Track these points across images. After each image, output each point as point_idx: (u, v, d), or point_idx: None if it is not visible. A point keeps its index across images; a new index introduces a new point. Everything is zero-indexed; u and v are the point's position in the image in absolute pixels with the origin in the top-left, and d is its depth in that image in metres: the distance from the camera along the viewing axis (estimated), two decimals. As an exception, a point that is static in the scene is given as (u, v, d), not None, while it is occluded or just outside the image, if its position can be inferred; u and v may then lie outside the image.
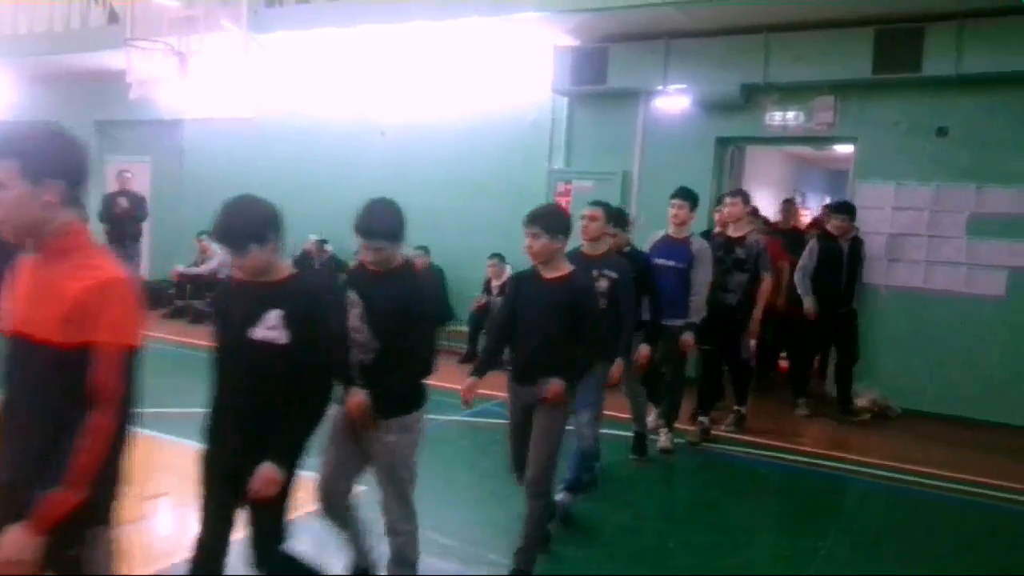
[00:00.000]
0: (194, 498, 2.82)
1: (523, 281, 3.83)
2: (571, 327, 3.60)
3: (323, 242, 9.90)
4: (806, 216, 11.89)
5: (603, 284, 4.49)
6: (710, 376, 6.33)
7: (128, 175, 10.81)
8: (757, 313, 6.16)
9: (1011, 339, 6.99)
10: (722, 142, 8.34)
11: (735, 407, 6.55)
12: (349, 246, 9.50)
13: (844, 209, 7.22)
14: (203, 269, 10.83)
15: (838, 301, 7.03)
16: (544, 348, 3.61)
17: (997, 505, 5.19)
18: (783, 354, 8.31)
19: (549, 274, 3.67)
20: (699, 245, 5.62)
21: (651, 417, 5.97)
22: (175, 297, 11.13)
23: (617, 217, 5.05)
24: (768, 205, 10.71)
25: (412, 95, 9.92)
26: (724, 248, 6.09)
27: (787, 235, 8.31)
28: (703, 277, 5.57)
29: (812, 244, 7.19)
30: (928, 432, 6.79)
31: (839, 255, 7.03)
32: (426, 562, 3.46)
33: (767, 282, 6.15)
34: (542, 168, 9.02)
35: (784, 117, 7.92)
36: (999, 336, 7.05)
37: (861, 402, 7.18)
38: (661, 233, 5.74)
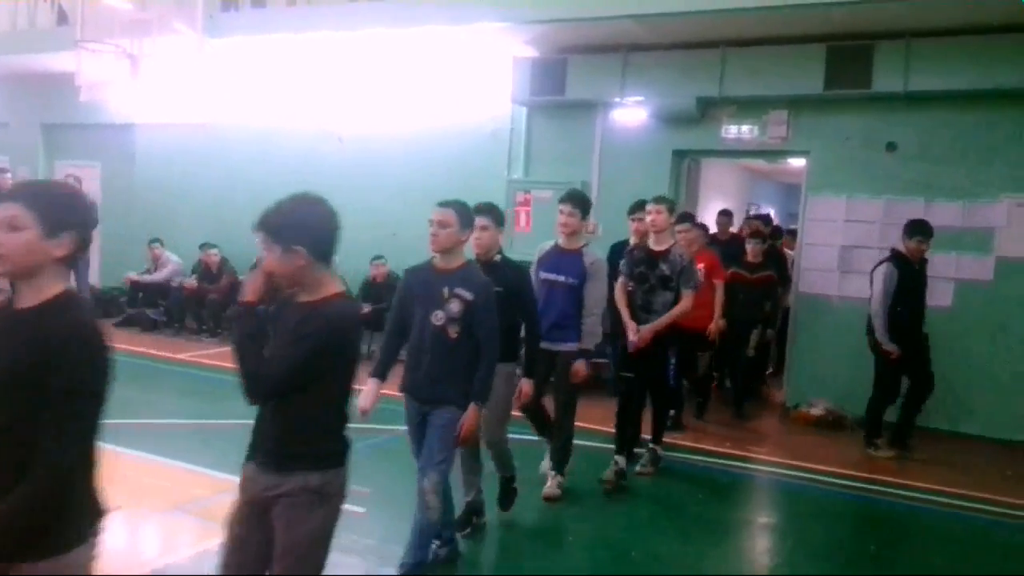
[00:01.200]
0: (147, 511, 2.74)
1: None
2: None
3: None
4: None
5: (454, 307, 3.58)
6: (628, 409, 5.42)
7: (73, 180, 10.45)
8: (655, 324, 5.20)
9: (958, 349, 7.17)
10: (678, 154, 8.44)
11: (650, 444, 5.71)
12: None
13: (921, 229, 6.32)
14: (156, 277, 10.60)
15: (917, 331, 6.35)
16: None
17: (946, 512, 5.31)
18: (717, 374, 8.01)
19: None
20: (593, 258, 4.88)
21: (545, 461, 5.18)
22: (127, 305, 10.88)
23: (485, 215, 4.13)
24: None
25: (371, 102, 9.86)
26: (647, 263, 5.31)
27: (726, 246, 8.16)
28: (597, 294, 4.84)
29: (887, 271, 6.24)
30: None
31: (917, 279, 6.33)
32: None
33: (687, 299, 5.24)
34: (501, 178, 9.03)
35: (739, 130, 8.05)
36: (946, 346, 7.22)
37: (815, 411, 7.30)
38: (549, 244, 5.04)
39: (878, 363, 6.38)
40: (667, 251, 5.30)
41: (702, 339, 6.66)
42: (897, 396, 6.46)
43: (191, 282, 10.26)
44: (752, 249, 7.50)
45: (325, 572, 2.44)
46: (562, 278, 4.84)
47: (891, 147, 7.45)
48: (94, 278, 11.54)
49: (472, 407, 3.60)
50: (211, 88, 10.27)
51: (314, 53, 9.43)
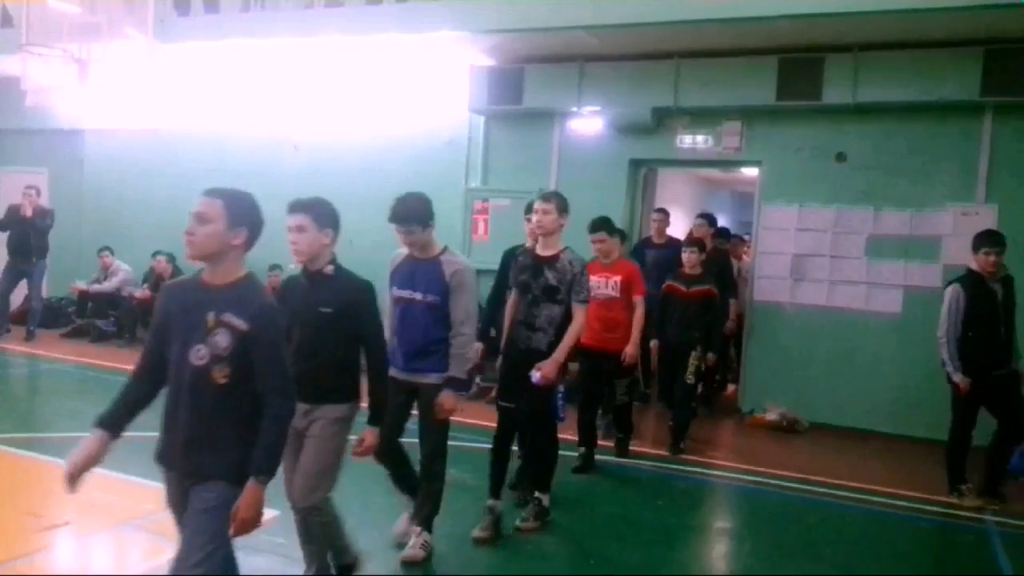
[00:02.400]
0: (97, 527, 2.67)
1: None
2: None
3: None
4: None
5: (221, 340, 2.56)
6: (500, 446, 4.62)
7: (33, 192, 9.96)
8: (558, 354, 4.39)
9: (906, 355, 7.34)
10: (635, 164, 8.53)
11: (536, 494, 4.75)
12: (259, 260, 9.39)
13: (987, 239, 5.37)
14: (106, 286, 10.34)
15: (996, 362, 5.33)
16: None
17: (897, 514, 5.42)
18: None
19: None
20: (455, 266, 3.99)
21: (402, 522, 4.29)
22: (75, 316, 10.61)
23: (321, 223, 3.35)
24: (682, 228, 10.96)
25: (327, 110, 9.78)
26: (531, 271, 4.52)
27: (662, 251, 7.71)
28: (464, 309, 3.97)
29: (953, 293, 5.37)
30: (832, 445, 7.05)
31: (993, 301, 5.34)
32: None
33: (579, 316, 4.45)
34: (459, 186, 9.03)
35: (693, 140, 8.17)
36: (896, 352, 7.40)
37: (770, 416, 7.41)
38: (401, 253, 4.14)
39: (953, 398, 5.52)
40: (555, 257, 4.50)
41: (616, 364, 5.78)
42: (970, 435, 5.53)
43: (143, 291, 10.03)
44: (688, 258, 6.48)
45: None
46: (418, 295, 3.98)
47: (841, 157, 7.62)
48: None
49: (251, 485, 2.53)
50: (162, 94, 10.10)
51: (269, 59, 9.33)
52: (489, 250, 7.00)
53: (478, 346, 4.93)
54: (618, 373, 5.90)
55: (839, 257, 7.63)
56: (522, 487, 4.90)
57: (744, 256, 9.22)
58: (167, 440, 2.68)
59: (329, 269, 3.39)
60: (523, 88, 8.45)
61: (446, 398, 3.93)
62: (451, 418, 4.05)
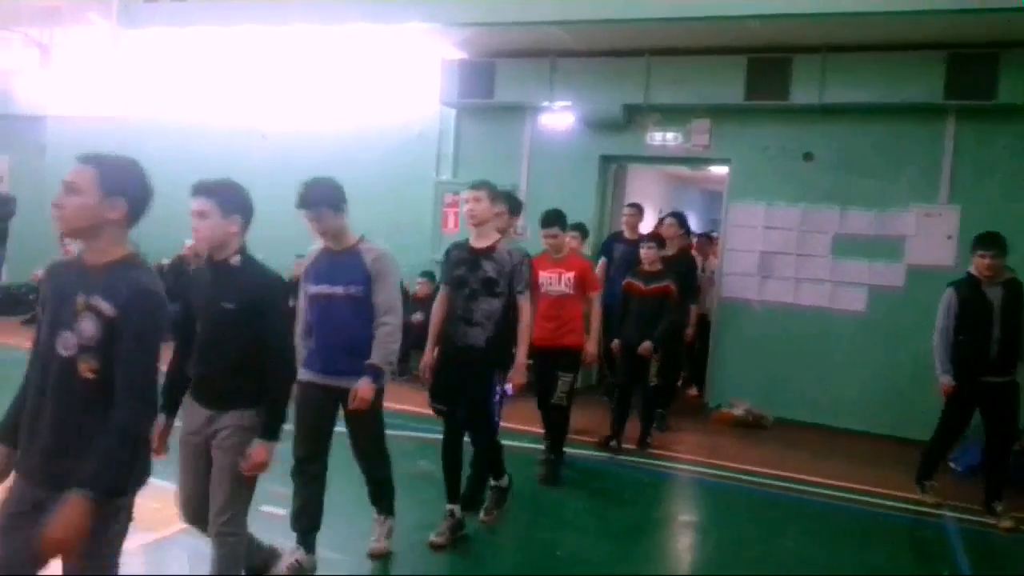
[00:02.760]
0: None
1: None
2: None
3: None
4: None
5: (87, 327, 2.25)
6: (449, 451, 4.39)
7: None
8: (521, 356, 4.34)
9: (871, 352, 7.45)
10: (606, 159, 8.55)
11: (491, 482, 4.69)
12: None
13: (979, 241, 5.30)
14: (66, 275, 10.13)
15: (988, 367, 5.20)
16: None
17: (858, 508, 5.50)
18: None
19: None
20: (376, 252, 3.73)
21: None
22: (35, 303, 10.39)
23: (227, 210, 3.01)
24: (650, 225, 11.00)
25: (296, 99, 9.68)
26: (468, 264, 4.30)
27: (631, 246, 7.16)
28: (387, 297, 3.70)
29: (948, 295, 5.35)
30: (797, 440, 7.14)
31: (986, 305, 5.20)
32: None
33: (525, 311, 4.29)
34: (429, 179, 8.99)
35: (663, 137, 8.20)
36: (860, 349, 7.51)
37: (736, 411, 7.47)
38: (316, 248, 3.87)
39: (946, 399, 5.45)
40: (492, 248, 4.28)
41: (567, 358, 5.44)
42: (955, 438, 5.59)
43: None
44: (646, 254, 6.32)
45: None
46: (339, 288, 3.69)
47: (808, 156, 7.70)
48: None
49: (73, 497, 2.12)
50: (127, 80, 9.91)
51: (237, 47, 9.20)
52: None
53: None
54: (566, 366, 5.44)
55: (805, 255, 7.71)
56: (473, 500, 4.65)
57: (712, 256, 9.01)
58: (26, 444, 2.30)
59: (235, 260, 3.02)
60: (494, 82, 8.43)
61: (363, 386, 3.58)
62: (389, 409, 3.89)
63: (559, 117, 8.45)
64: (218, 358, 3.03)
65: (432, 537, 4.26)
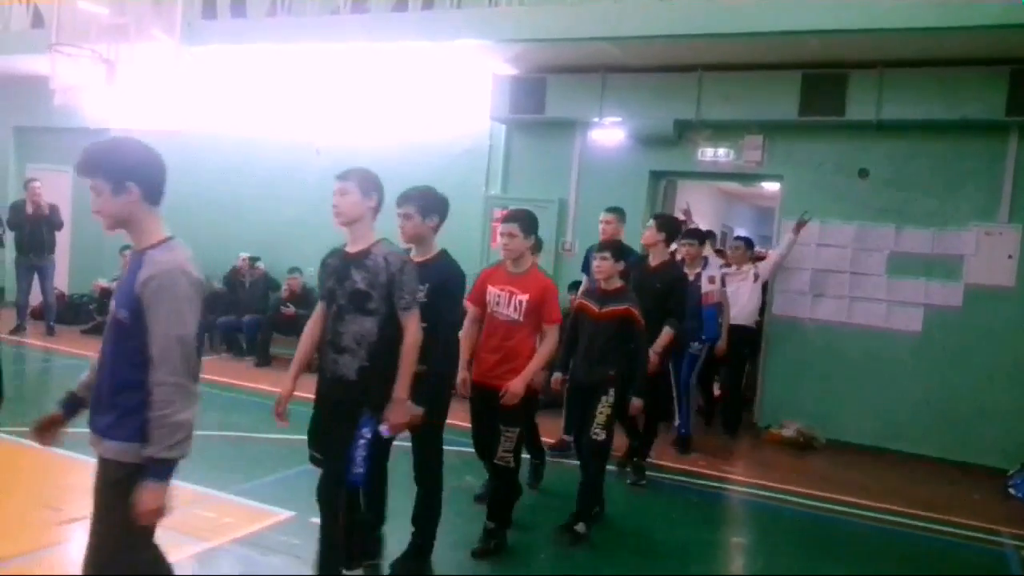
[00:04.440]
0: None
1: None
2: None
3: (254, 259, 9.68)
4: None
5: None
6: (323, 505, 3.41)
7: (37, 184, 10.10)
8: (401, 390, 3.30)
9: (926, 374, 7.28)
10: (655, 175, 8.52)
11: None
12: (282, 263, 9.49)
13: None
14: (125, 284, 10.42)
15: None
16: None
17: (911, 533, 5.36)
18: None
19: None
20: (154, 269, 2.47)
21: None
22: (96, 312, 10.73)
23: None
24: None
25: (350, 115, 9.85)
26: (337, 274, 3.41)
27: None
28: (163, 330, 2.40)
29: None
30: (848, 462, 6.98)
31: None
32: None
33: (411, 331, 3.32)
34: (479, 193, 9.05)
35: (715, 153, 8.14)
36: (915, 370, 7.34)
37: (787, 432, 7.35)
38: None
39: None
40: (364, 252, 3.36)
41: (513, 408, 4.14)
42: None
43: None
44: (598, 267, 4.74)
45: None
46: (115, 306, 2.57)
47: (863, 173, 7.57)
48: (62, 284, 11.38)
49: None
50: (187, 96, 10.19)
51: (293, 64, 9.42)
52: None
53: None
54: (509, 418, 4.17)
55: (859, 274, 7.57)
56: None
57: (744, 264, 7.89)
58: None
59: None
60: (545, 97, 8.48)
61: (146, 491, 2.37)
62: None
63: (609, 132, 8.45)
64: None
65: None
